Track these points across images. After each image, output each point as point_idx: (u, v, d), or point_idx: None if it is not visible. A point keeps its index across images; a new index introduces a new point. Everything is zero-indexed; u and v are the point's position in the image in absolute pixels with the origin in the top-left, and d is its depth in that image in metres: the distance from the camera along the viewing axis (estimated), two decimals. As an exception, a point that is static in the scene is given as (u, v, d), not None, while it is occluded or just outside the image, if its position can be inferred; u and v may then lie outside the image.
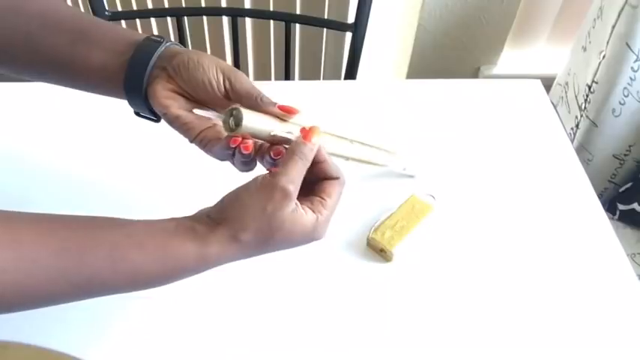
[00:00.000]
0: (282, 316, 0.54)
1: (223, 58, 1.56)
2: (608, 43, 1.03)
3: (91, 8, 0.96)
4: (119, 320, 0.53)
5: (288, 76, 1.09)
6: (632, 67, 1.01)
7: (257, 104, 0.46)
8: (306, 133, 0.43)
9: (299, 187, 0.42)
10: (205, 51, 1.55)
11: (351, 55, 1.01)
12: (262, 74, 1.58)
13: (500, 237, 0.62)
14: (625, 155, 1.13)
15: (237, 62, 1.09)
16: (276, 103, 0.47)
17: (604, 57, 1.05)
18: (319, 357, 0.52)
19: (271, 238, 0.42)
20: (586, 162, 1.16)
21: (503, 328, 0.54)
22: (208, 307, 0.55)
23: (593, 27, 1.11)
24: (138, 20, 1.59)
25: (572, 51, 1.22)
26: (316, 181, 0.45)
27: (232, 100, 0.47)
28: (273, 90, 0.79)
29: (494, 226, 0.63)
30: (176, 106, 0.47)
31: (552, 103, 0.80)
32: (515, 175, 0.69)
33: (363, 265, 0.59)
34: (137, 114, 0.51)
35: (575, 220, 0.64)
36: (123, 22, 1.58)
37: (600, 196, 1.20)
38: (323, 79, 1.53)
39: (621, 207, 1.13)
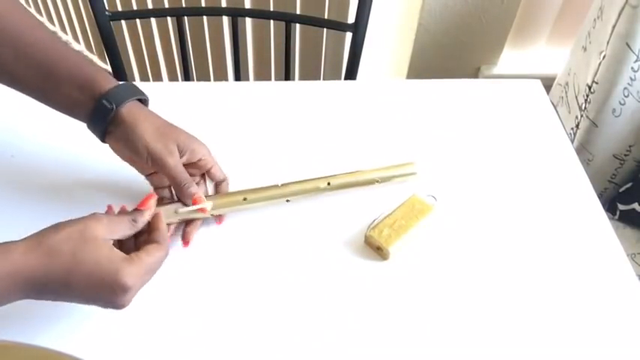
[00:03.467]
0: (277, 310, 0.54)
1: (223, 58, 1.57)
2: (608, 43, 1.03)
3: (92, 8, 0.96)
4: (119, 320, 0.53)
5: (288, 76, 1.09)
6: (632, 67, 1.01)
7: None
8: (144, 201, 0.51)
9: (115, 230, 0.47)
10: (205, 51, 1.55)
11: (351, 55, 1.01)
12: (262, 74, 1.58)
13: (500, 236, 0.62)
14: (625, 155, 1.13)
15: (237, 62, 1.09)
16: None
17: (604, 57, 1.05)
18: (313, 352, 0.52)
19: (80, 250, 0.43)
20: (586, 162, 1.16)
21: (502, 327, 0.54)
22: (207, 305, 0.55)
23: (594, 27, 1.11)
24: (138, 20, 1.59)
25: (572, 51, 1.22)
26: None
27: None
28: (274, 90, 0.80)
29: (494, 226, 0.63)
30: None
31: (552, 103, 0.80)
32: (516, 175, 0.69)
33: (360, 263, 0.59)
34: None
35: (575, 220, 0.64)
36: (123, 22, 1.59)
37: (600, 196, 1.20)
38: (323, 79, 1.53)
39: (621, 207, 1.13)
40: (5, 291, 0.42)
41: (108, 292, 0.44)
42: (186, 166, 0.57)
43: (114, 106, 0.53)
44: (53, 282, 0.43)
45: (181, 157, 0.56)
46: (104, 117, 0.54)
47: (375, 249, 0.59)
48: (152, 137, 0.53)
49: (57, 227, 0.45)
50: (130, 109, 0.54)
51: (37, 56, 0.53)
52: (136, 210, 0.51)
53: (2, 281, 0.42)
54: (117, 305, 0.45)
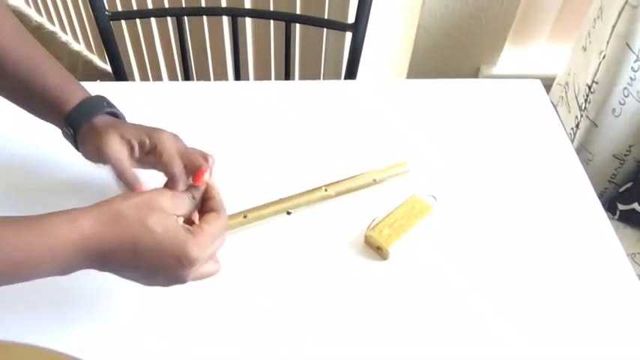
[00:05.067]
0: (278, 310, 0.54)
1: (223, 58, 1.57)
2: (608, 43, 1.03)
3: (91, 8, 0.96)
4: (119, 320, 0.53)
5: (288, 76, 1.09)
6: (632, 67, 1.01)
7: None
8: (198, 176, 0.50)
9: (178, 206, 0.46)
10: (205, 51, 1.55)
11: (351, 55, 1.01)
12: (262, 74, 1.58)
13: (500, 236, 0.62)
14: (625, 155, 1.13)
15: (237, 62, 1.09)
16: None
17: (604, 57, 1.05)
18: (313, 351, 0.52)
19: (148, 218, 0.42)
20: (586, 162, 1.16)
21: (502, 327, 0.54)
22: (207, 305, 0.55)
23: (593, 27, 1.11)
24: (138, 20, 1.59)
25: (572, 51, 1.22)
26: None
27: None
28: (274, 90, 0.80)
29: (494, 226, 0.63)
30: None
31: (552, 103, 0.80)
32: (515, 175, 0.69)
33: (360, 262, 0.59)
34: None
35: (575, 220, 0.64)
36: (123, 22, 1.59)
37: (600, 196, 1.20)
38: (323, 79, 1.53)
39: (621, 207, 1.13)
40: (74, 261, 0.42)
41: (175, 264, 0.43)
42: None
43: (72, 132, 0.55)
44: (121, 248, 0.42)
45: (147, 152, 0.54)
46: (71, 139, 0.56)
47: (375, 249, 0.59)
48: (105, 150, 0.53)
49: (124, 196, 0.44)
50: (87, 131, 0.54)
51: (9, 67, 0.54)
52: (192, 186, 0.50)
53: (72, 252, 0.41)
54: (181, 278, 0.44)
